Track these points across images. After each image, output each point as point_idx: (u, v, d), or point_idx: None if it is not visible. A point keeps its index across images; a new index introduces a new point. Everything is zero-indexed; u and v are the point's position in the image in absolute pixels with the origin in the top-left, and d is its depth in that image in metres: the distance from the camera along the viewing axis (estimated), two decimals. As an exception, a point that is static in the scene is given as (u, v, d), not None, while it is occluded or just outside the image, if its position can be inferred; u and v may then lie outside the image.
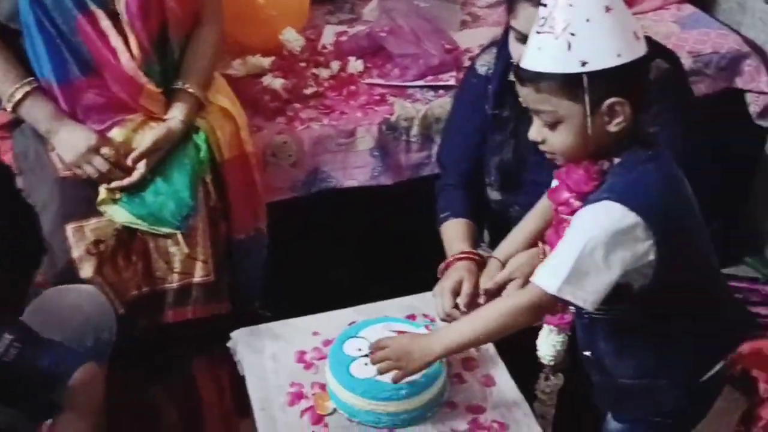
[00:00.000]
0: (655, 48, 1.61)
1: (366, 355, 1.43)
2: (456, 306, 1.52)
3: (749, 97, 2.36)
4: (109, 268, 1.73)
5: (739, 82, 2.34)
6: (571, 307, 1.40)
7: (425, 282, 1.61)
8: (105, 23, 1.71)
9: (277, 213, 1.98)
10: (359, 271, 2.12)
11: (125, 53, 1.73)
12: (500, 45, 1.66)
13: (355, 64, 2.21)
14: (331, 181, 2.07)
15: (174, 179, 1.76)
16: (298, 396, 1.46)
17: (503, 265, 1.56)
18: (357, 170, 2.08)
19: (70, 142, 1.73)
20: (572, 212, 1.32)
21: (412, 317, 1.59)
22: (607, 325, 1.34)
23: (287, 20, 2.25)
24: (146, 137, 1.75)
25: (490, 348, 1.54)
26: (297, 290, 2.01)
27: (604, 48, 1.19)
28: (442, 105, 2.08)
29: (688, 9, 2.50)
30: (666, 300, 1.31)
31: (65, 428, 1.42)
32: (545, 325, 1.50)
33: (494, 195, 1.76)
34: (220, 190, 1.82)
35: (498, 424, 1.39)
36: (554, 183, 1.40)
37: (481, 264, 1.59)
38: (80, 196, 1.74)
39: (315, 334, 1.59)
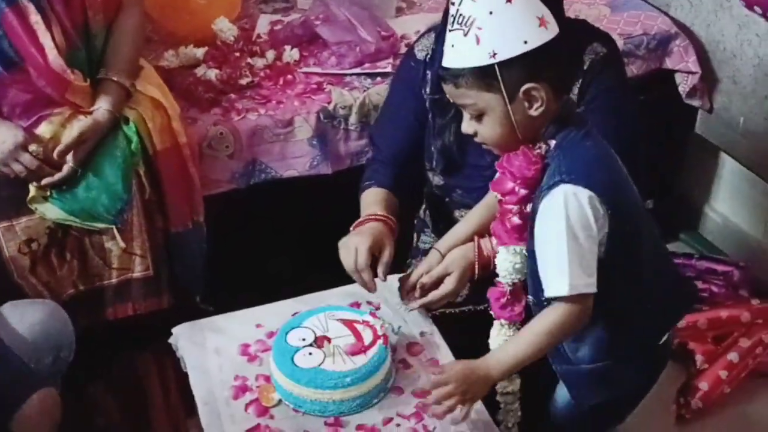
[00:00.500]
0: (591, 32, 1.65)
1: (310, 345, 1.42)
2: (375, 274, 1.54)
3: (678, 78, 2.42)
4: (42, 267, 1.69)
5: (669, 63, 2.39)
6: (530, 297, 1.42)
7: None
8: (34, 18, 1.66)
9: (216, 205, 1.96)
10: (300, 261, 2.11)
11: (53, 50, 1.68)
12: (439, 30, 1.66)
13: (291, 53, 2.19)
14: (270, 172, 2.05)
15: (106, 173, 1.72)
16: (243, 389, 1.44)
17: (443, 257, 1.57)
18: (296, 160, 2.06)
19: None
20: (519, 201, 1.35)
21: (355, 305, 1.59)
22: None
23: (219, 10, 2.22)
24: (73, 130, 1.71)
25: (434, 332, 1.55)
26: (238, 283, 1.99)
27: (510, 37, 1.23)
28: (379, 92, 2.08)
29: (619, -9, 2.54)
30: (616, 275, 1.33)
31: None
32: (496, 321, 1.49)
33: (436, 180, 1.76)
34: (155, 183, 1.79)
35: (444, 406, 1.40)
36: (497, 174, 1.41)
37: (393, 230, 1.61)
38: (9, 194, 1.69)
39: (258, 326, 1.57)
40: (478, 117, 1.31)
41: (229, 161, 2.01)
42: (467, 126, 1.34)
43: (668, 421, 2.15)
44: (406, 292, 1.56)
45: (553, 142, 1.30)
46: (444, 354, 1.51)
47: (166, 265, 1.82)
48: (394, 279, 1.60)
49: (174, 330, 1.59)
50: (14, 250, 1.66)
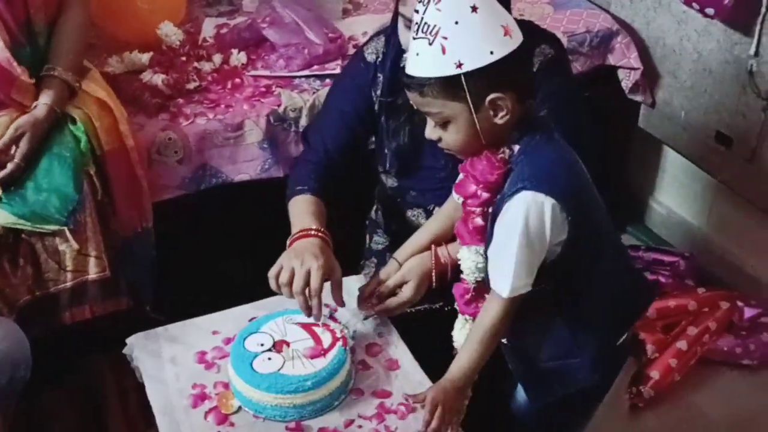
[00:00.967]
0: (538, 33, 1.67)
1: (269, 350, 1.41)
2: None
3: (621, 74, 2.47)
4: (-5, 275, 1.65)
5: (611, 60, 2.44)
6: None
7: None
8: None
9: (166, 211, 1.93)
10: (254, 266, 2.08)
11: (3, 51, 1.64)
12: (389, 33, 1.66)
13: (238, 57, 2.17)
14: (220, 177, 2.03)
15: (55, 174, 1.68)
16: (201, 397, 1.43)
17: (401, 266, 1.58)
18: (247, 164, 2.05)
19: None
20: (481, 203, 1.36)
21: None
22: (524, 308, 1.37)
23: (163, 14, 2.19)
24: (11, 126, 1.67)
25: (393, 332, 1.56)
26: (190, 290, 1.97)
27: (476, 48, 1.23)
28: (328, 94, 2.07)
29: (561, -10, 2.58)
30: (576, 276, 1.36)
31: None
32: (460, 315, 1.51)
33: (391, 182, 1.77)
34: (105, 184, 1.76)
35: (405, 406, 1.40)
36: (460, 177, 1.42)
37: (331, 247, 1.56)
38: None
39: (214, 333, 1.55)
40: (443, 124, 1.31)
41: (179, 166, 1.99)
42: (431, 132, 1.35)
43: (622, 410, 2.19)
44: (363, 299, 1.56)
45: (516, 147, 1.31)
46: (402, 354, 1.51)
47: (123, 265, 1.79)
48: (350, 281, 1.60)
49: (128, 340, 1.56)
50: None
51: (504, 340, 1.47)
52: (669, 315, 2.33)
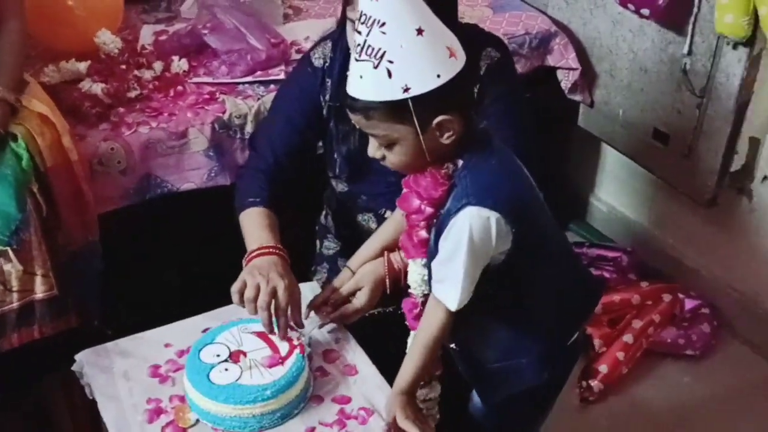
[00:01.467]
0: (484, 37, 1.69)
1: (226, 360, 1.39)
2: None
3: (560, 74, 2.51)
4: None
5: (551, 60, 2.48)
6: None
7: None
8: None
9: (111, 223, 1.89)
10: (203, 276, 2.06)
11: None
12: (336, 37, 1.66)
13: (180, 64, 2.13)
14: (165, 186, 2.00)
15: None
16: (157, 412, 1.40)
17: (354, 273, 1.58)
18: (192, 172, 2.01)
19: None
20: (426, 218, 1.36)
21: (267, 317, 1.57)
22: (470, 313, 1.37)
23: (100, 21, 2.14)
24: None
25: (349, 338, 1.55)
26: (140, 303, 1.93)
27: (423, 72, 1.21)
28: (273, 100, 2.06)
29: (500, -7, 2.62)
30: (520, 281, 1.38)
31: None
32: (412, 332, 1.50)
33: (341, 186, 1.76)
34: (50, 200, 1.71)
35: (365, 411, 1.40)
36: (403, 191, 1.42)
37: (289, 264, 1.55)
38: None
39: (167, 345, 1.52)
40: (388, 145, 1.30)
41: (122, 177, 1.94)
42: (374, 151, 1.34)
43: (572, 405, 2.23)
44: (318, 307, 1.55)
45: (460, 162, 1.31)
46: (360, 359, 1.51)
47: (70, 281, 1.74)
48: (304, 288, 1.59)
49: (77, 357, 1.52)
50: None
51: (453, 345, 1.49)
52: (614, 309, 2.38)
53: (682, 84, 2.24)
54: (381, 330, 1.64)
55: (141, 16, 2.41)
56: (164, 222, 2.02)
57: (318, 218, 1.97)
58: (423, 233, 1.38)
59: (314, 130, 1.72)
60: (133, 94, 2.02)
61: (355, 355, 1.52)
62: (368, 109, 1.26)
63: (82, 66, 2.05)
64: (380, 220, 1.76)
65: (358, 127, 1.35)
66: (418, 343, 1.40)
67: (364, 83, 1.24)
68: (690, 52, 2.19)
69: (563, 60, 2.47)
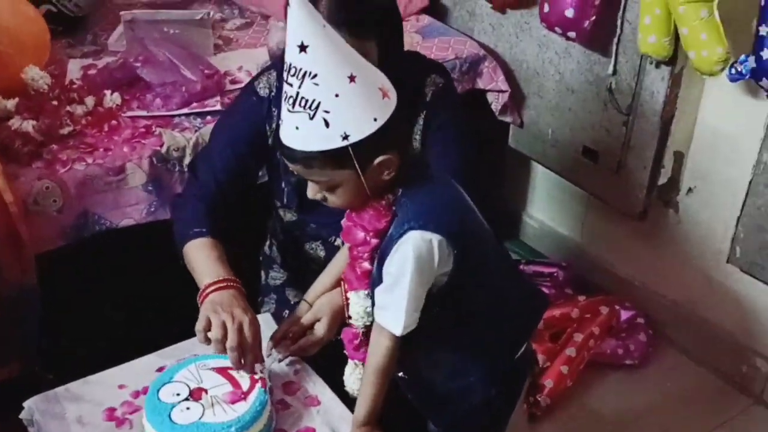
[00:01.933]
0: (427, 64, 1.72)
1: (186, 399, 1.36)
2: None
3: (490, 97, 2.57)
4: None
5: (480, 83, 2.54)
6: None
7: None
8: None
9: (49, 264, 1.82)
10: (150, 313, 2.02)
11: None
12: (280, 67, 1.65)
13: (112, 98, 2.09)
14: (104, 224, 1.94)
15: None
16: (116, 456, 1.35)
17: (311, 306, 1.57)
18: (131, 208, 1.97)
19: None
20: (372, 249, 1.36)
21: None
22: (416, 338, 1.38)
23: (27, 57, 2.08)
24: None
25: (308, 369, 1.54)
26: (85, 344, 1.87)
27: (359, 118, 1.23)
28: (212, 131, 2.04)
29: (426, 19, 2.67)
30: (463, 303, 1.39)
31: None
32: (350, 361, 1.50)
33: (289, 216, 1.75)
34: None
35: (330, 441, 1.39)
36: (345, 223, 1.42)
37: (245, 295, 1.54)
38: None
39: (121, 387, 1.48)
40: (330, 189, 1.32)
41: (59, 216, 1.88)
42: (315, 194, 1.34)
43: (521, 421, 2.25)
44: (277, 341, 1.53)
45: (400, 191, 1.33)
46: (321, 389, 1.50)
47: (9, 328, 1.67)
48: (260, 319, 1.56)
49: (26, 404, 1.46)
50: None
51: (401, 374, 1.49)
52: (555, 324, 2.43)
53: (609, 102, 2.32)
54: (328, 355, 1.63)
55: (67, 51, 2.36)
56: (104, 260, 1.97)
57: (261, 249, 1.95)
58: (366, 264, 1.39)
59: (257, 159, 1.72)
60: (66, 130, 1.97)
61: (316, 385, 1.51)
62: (308, 158, 1.26)
63: (10, 103, 1.99)
64: (328, 247, 1.76)
65: (297, 174, 1.35)
66: (368, 374, 1.40)
67: (301, 134, 1.25)
68: (615, 72, 2.27)
69: (493, 83, 2.53)
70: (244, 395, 1.38)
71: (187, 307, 1.52)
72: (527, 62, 2.53)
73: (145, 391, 1.43)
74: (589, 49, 2.32)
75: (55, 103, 2.02)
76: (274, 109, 1.65)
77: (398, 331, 1.32)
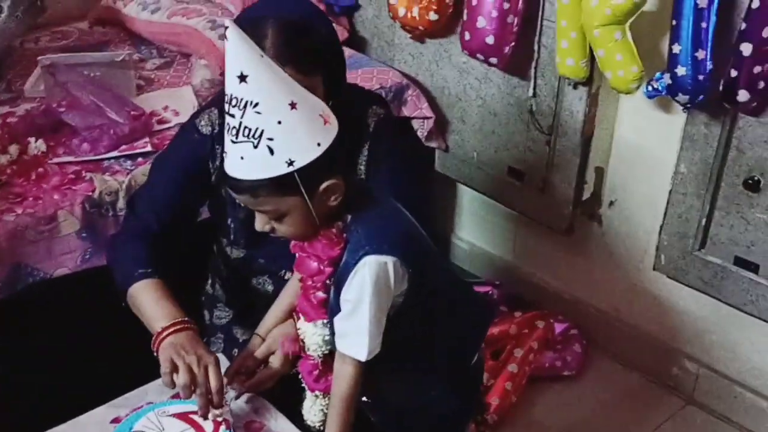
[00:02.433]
0: (367, 95, 1.75)
1: (150, 448, 1.33)
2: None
3: (416, 124, 2.62)
4: None
5: (406, 111, 2.59)
6: None
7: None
8: None
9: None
10: (96, 363, 1.95)
11: None
12: (221, 106, 1.64)
13: (37, 145, 2.03)
14: (37, 275, 1.88)
15: None
16: None
17: (264, 340, 1.56)
18: (65, 257, 1.92)
19: None
20: (327, 277, 1.37)
21: (177, 396, 1.51)
22: (375, 361, 1.38)
23: (-58, 108, 2.01)
24: None
25: (268, 405, 1.52)
26: (27, 402, 1.79)
27: (303, 143, 1.24)
28: (144, 172, 1.98)
29: (348, 51, 2.67)
30: (418, 319, 1.42)
31: None
32: (308, 393, 1.50)
33: (236, 253, 1.74)
34: None
35: (299, 478, 1.38)
36: (294, 250, 1.43)
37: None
38: None
39: (76, 443, 1.43)
40: (278, 218, 1.32)
41: (-11, 270, 1.82)
42: (263, 225, 1.35)
43: (470, 441, 2.29)
44: (231, 377, 1.51)
45: (348, 218, 1.35)
46: (284, 425, 1.48)
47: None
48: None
49: (-26, 470, 1.39)
50: None
51: (364, 398, 1.50)
52: (495, 342, 2.48)
53: (531, 124, 2.41)
54: (286, 386, 1.62)
55: (-20, 99, 2.29)
56: (40, 312, 1.90)
57: (203, 288, 1.93)
58: (320, 294, 1.40)
59: (199, 196, 1.71)
60: (-9, 181, 1.91)
61: (278, 422, 1.49)
62: (255, 187, 1.27)
63: (-70, 158, 1.92)
64: (277, 281, 1.76)
65: (243, 205, 1.35)
66: (335, 404, 1.40)
67: (247, 163, 1.25)
68: (535, 95, 2.36)
69: (417, 110, 2.59)
70: (210, 439, 1.36)
71: (133, 354, 1.49)
72: (449, 89, 2.60)
73: (105, 444, 1.39)
74: (509, 73, 2.41)
75: (-24, 153, 1.96)
76: (217, 147, 1.65)
77: (363, 357, 1.33)
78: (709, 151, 2.05)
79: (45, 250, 1.89)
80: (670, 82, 1.91)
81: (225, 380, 1.49)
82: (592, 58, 2.13)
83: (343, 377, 1.37)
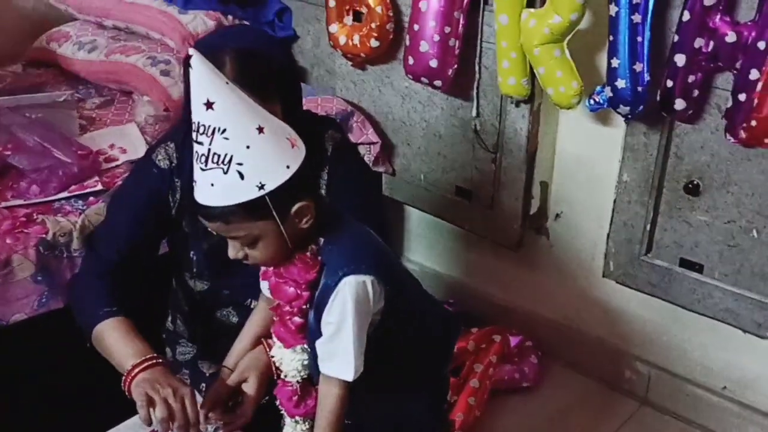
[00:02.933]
0: (321, 120, 1.78)
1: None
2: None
3: (362, 149, 2.65)
4: None
5: (352, 138, 2.61)
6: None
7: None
8: None
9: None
10: (61, 408, 1.90)
11: None
12: (181, 137, 1.64)
13: (-17, 190, 1.99)
14: (-7, 322, 1.83)
15: None
16: None
17: (233, 371, 1.55)
18: (21, 302, 1.87)
19: None
20: (306, 301, 1.38)
21: (153, 433, 1.49)
22: (358, 382, 1.40)
23: None
24: None
25: (245, 434, 1.52)
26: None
27: (273, 167, 1.26)
28: (98, 211, 1.97)
29: (290, 81, 2.72)
30: (393, 334, 1.44)
31: None
32: (288, 419, 1.50)
33: (200, 286, 1.73)
34: None
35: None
36: (265, 282, 1.44)
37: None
38: None
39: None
40: (251, 243, 1.33)
41: (-58, 321, 1.76)
42: (236, 253, 1.35)
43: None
44: (207, 411, 1.49)
45: (321, 240, 1.37)
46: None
47: None
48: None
49: None
50: None
51: (347, 421, 1.51)
52: (454, 358, 2.49)
53: (476, 143, 2.47)
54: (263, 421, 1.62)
55: None
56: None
57: (163, 325, 1.91)
58: (298, 319, 1.41)
59: (160, 231, 1.71)
60: (-62, 229, 1.85)
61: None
62: (226, 213, 1.28)
63: None
64: (242, 311, 1.75)
65: (216, 233, 1.36)
66: (322, 428, 1.40)
67: (217, 190, 1.26)
68: (478, 114, 2.42)
69: (363, 136, 2.62)
70: (194, 473, 1.34)
71: (99, 395, 1.47)
72: (392, 114, 2.65)
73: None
74: (451, 95, 2.47)
75: None
76: (176, 180, 1.65)
77: (350, 377, 1.34)
78: (650, 160, 2.14)
79: (-1, 296, 1.84)
80: (611, 94, 2.00)
81: (201, 413, 1.48)
82: (532, 76, 2.20)
83: (329, 401, 1.38)
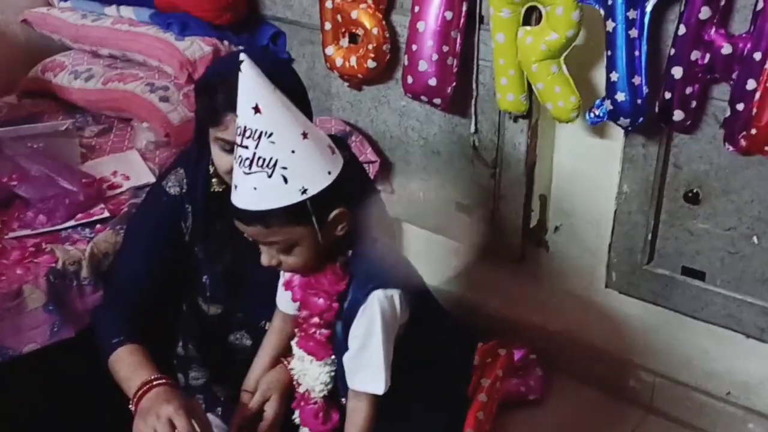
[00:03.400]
0: (331, 138, 1.79)
1: None
2: None
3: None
4: None
5: (351, 157, 2.65)
6: (343, 400, 1.47)
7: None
8: None
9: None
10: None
11: None
12: (192, 163, 1.65)
13: (-9, 221, 1.98)
14: (6, 352, 1.82)
15: None
16: None
17: (253, 394, 1.57)
18: (34, 332, 1.86)
19: None
20: (336, 313, 1.40)
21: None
22: (384, 398, 1.42)
23: None
24: None
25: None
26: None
27: (316, 172, 1.29)
28: (106, 239, 1.98)
29: (287, 103, 2.74)
30: (419, 343, 1.46)
31: None
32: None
33: (213, 309, 1.74)
34: None
35: None
36: (286, 294, 1.45)
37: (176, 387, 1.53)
38: None
39: None
40: (287, 249, 1.35)
41: (-45, 353, 1.75)
42: (270, 259, 1.37)
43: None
44: None
45: (349, 253, 1.39)
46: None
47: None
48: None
49: None
50: None
51: None
52: (461, 374, 2.52)
53: (475, 159, 2.50)
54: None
55: None
56: (13, 391, 1.84)
57: (174, 351, 1.91)
58: (325, 330, 1.43)
59: (176, 259, 1.71)
60: (-52, 261, 1.84)
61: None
62: (267, 217, 1.30)
63: None
64: (255, 333, 1.75)
65: (252, 239, 1.37)
66: None
67: (260, 193, 1.28)
68: (476, 131, 2.45)
69: (363, 155, 2.64)
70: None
71: (113, 424, 1.47)
72: (390, 132, 2.67)
73: None
74: (449, 112, 2.50)
75: (-70, 235, 1.89)
76: (187, 206, 1.66)
77: (381, 390, 1.35)
78: (649, 170, 2.18)
79: (12, 326, 1.83)
80: (611, 107, 2.03)
81: None
82: (530, 92, 2.24)
83: (359, 415, 1.39)
